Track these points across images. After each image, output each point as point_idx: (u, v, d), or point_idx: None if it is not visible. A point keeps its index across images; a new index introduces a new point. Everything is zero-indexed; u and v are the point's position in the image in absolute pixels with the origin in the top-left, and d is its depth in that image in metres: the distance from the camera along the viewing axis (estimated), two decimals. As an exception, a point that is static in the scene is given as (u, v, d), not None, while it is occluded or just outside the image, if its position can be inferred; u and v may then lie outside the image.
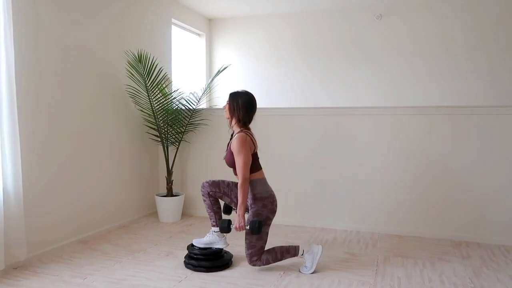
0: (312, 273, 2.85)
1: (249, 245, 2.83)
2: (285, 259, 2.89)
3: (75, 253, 3.27)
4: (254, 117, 2.89)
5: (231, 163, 2.83)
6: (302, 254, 2.87)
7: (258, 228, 2.71)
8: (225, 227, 2.82)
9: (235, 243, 3.48)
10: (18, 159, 2.85)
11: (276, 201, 2.88)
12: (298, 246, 2.89)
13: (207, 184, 2.97)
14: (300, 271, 2.89)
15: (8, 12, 2.76)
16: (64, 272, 2.87)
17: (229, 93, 2.88)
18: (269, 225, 2.87)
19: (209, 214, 3.02)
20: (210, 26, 6.11)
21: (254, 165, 2.82)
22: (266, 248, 2.89)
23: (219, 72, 4.35)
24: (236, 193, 2.91)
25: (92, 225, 3.71)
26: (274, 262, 2.87)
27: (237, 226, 2.74)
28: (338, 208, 4.01)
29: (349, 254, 3.29)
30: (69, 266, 2.99)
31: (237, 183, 2.93)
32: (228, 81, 5.79)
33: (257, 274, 2.87)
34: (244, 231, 2.82)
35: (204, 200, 3.00)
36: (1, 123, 2.78)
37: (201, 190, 3.00)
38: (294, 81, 5.70)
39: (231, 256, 3.07)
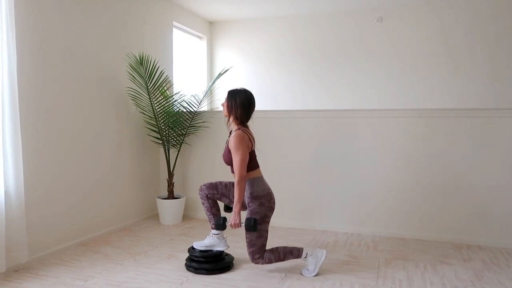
0: (314, 276, 2.84)
1: (250, 244, 2.82)
2: (287, 260, 2.88)
3: (76, 255, 3.27)
4: (253, 116, 2.87)
5: (229, 161, 2.82)
6: (306, 257, 2.86)
7: (253, 226, 2.70)
8: (220, 224, 2.83)
9: (236, 246, 3.48)
10: (20, 162, 2.85)
11: (273, 199, 2.87)
12: (302, 249, 2.88)
13: (205, 187, 2.98)
14: (301, 274, 2.89)
15: (11, 16, 2.76)
16: (65, 275, 2.87)
17: (228, 90, 2.87)
18: (268, 223, 2.85)
19: (208, 217, 3.02)
20: (211, 29, 6.12)
21: (252, 163, 2.81)
22: (269, 248, 2.89)
23: (220, 74, 4.36)
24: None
25: (93, 227, 3.71)
26: (277, 262, 2.86)
27: (232, 223, 2.73)
28: (339, 210, 4.01)
29: (350, 256, 3.29)
30: (70, 268, 2.99)
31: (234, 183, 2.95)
32: (229, 83, 5.79)
33: (258, 276, 2.86)
34: (241, 230, 2.80)
35: (203, 203, 3.00)
36: (3, 126, 2.78)
37: (199, 193, 3.00)
38: (295, 83, 5.71)
39: (232, 258, 3.07)
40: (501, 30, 4.83)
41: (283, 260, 2.86)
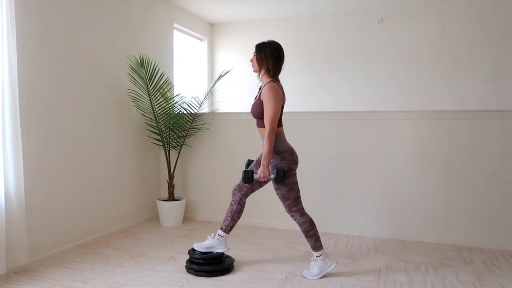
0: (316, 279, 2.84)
1: (283, 198, 2.81)
2: (308, 240, 2.85)
3: (77, 257, 3.26)
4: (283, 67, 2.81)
5: (258, 114, 2.76)
6: (318, 257, 2.85)
7: (282, 177, 2.68)
8: (249, 178, 2.76)
9: (236, 248, 3.47)
10: (20, 164, 2.85)
11: (295, 153, 2.83)
12: (323, 248, 2.87)
13: (237, 190, 2.96)
14: (303, 275, 2.88)
15: (11, 17, 2.77)
16: (65, 277, 2.86)
17: (255, 45, 2.81)
18: (295, 176, 2.82)
19: (226, 217, 2.99)
20: (211, 30, 6.12)
21: (278, 119, 2.76)
22: (311, 219, 2.86)
23: (220, 76, 4.36)
24: (256, 170, 2.87)
25: (94, 229, 3.71)
26: (303, 232, 2.84)
27: (262, 175, 2.68)
28: (340, 213, 4.00)
29: (351, 259, 3.28)
30: (70, 270, 2.99)
31: (256, 161, 2.95)
32: (230, 85, 5.81)
33: (259, 278, 2.86)
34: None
35: (231, 205, 2.98)
36: (4, 128, 2.78)
37: (232, 197, 2.98)
38: (296, 84, 5.70)
39: (232, 260, 3.06)
40: (502, 31, 4.82)
41: (307, 236, 2.84)
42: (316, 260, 2.86)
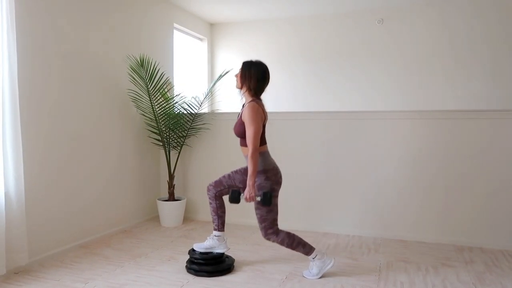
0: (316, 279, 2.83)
1: (261, 219, 2.79)
2: (297, 251, 2.84)
3: (77, 257, 3.26)
4: (266, 89, 2.81)
5: (241, 133, 2.77)
6: (314, 258, 2.84)
7: (269, 200, 2.67)
8: (235, 198, 2.74)
9: (236, 248, 3.47)
10: (20, 164, 2.85)
11: (280, 173, 2.82)
12: (315, 249, 2.86)
13: (212, 186, 2.95)
14: (303, 275, 2.88)
15: (11, 17, 2.76)
16: (66, 277, 2.86)
17: (242, 61, 2.82)
18: (277, 197, 2.82)
19: (212, 217, 2.99)
20: (211, 30, 6.12)
21: (261, 138, 2.76)
22: (287, 231, 2.84)
23: (220, 76, 4.36)
24: (240, 179, 2.89)
25: (94, 229, 3.70)
26: (287, 247, 2.82)
27: (248, 196, 2.66)
28: (341, 213, 4.00)
29: (352, 259, 3.28)
30: (70, 271, 2.98)
31: (237, 170, 2.95)
32: (230, 85, 5.79)
33: (259, 278, 2.85)
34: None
35: (210, 203, 2.98)
36: (4, 128, 2.78)
37: (208, 194, 2.97)
38: (296, 85, 5.71)
39: (233, 260, 3.06)
40: (504, 30, 4.81)
41: (293, 248, 2.82)
42: (313, 260, 2.86)
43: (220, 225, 2.97)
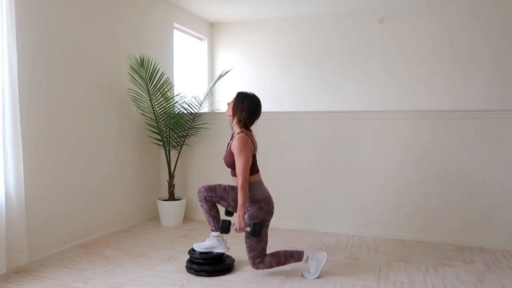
0: (315, 278, 2.83)
1: (250, 248, 2.81)
2: (288, 263, 2.86)
3: (77, 257, 3.26)
4: (256, 121, 2.86)
5: (231, 164, 2.80)
6: (307, 260, 2.85)
7: (258, 231, 2.69)
8: (226, 228, 2.78)
9: (237, 248, 3.47)
10: (20, 164, 2.85)
11: (272, 203, 2.86)
12: (303, 252, 2.86)
13: (203, 189, 2.94)
14: (303, 276, 2.88)
15: (11, 17, 2.77)
16: (66, 277, 2.86)
17: (237, 92, 2.85)
18: (267, 227, 2.85)
19: (207, 219, 3.00)
20: (212, 30, 6.12)
21: (252, 167, 2.79)
22: (269, 252, 2.87)
23: (221, 76, 4.36)
24: (233, 196, 2.89)
25: (94, 229, 3.70)
26: (278, 266, 2.85)
27: (237, 228, 2.70)
28: (340, 212, 4.00)
29: (352, 259, 3.28)
30: (70, 270, 2.99)
31: (234, 186, 2.93)
32: (230, 85, 5.79)
33: (259, 278, 2.85)
34: (243, 234, 2.79)
35: (202, 205, 2.98)
36: (4, 128, 2.78)
37: (198, 195, 2.97)
38: (296, 85, 5.70)
39: (233, 260, 3.06)
40: (504, 30, 4.81)
41: (284, 264, 2.84)
42: (307, 262, 2.86)
43: (217, 225, 2.97)
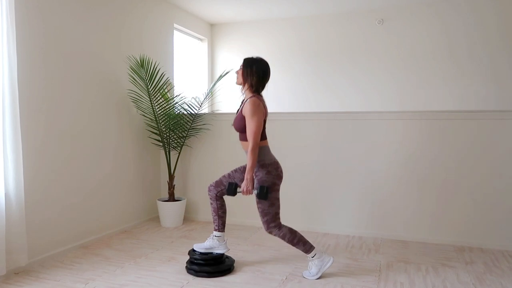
0: (316, 279, 2.83)
1: (263, 213, 2.80)
2: (297, 247, 2.85)
3: (77, 258, 3.26)
4: (267, 85, 2.84)
5: (240, 128, 2.79)
6: (313, 257, 2.85)
7: (265, 194, 2.69)
8: (232, 190, 2.78)
9: (237, 248, 3.47)
10: (20, 165, 2.85)
11: (280, 168, 2.84)
12: (314, 247, 2.86)
13: (213, 187, 2.97)
14: (303, 276, 2.88)
15: (11, 17, 2.77)
16: (66, 278, 2.86)
17: (243, 58, 2.84)
18: (278, 191, 2.83)
19: (213, 218, 3.00)
20: (212, 31, 6.12)
21: (262, 133, 2.78)
22: (290, 227, 2.85)
23: (221, 77, 4.36)
24: (239, 178, 2.90)
25: (94, 230, 3.70)
26: (288, 242, 2.83)
27: (245, 190, 2.70)
28: (341, 213, 4.00)
29: (352, 259, 3.28)
30: (70, 271, 2.99)
31: (237, 168, 2.96)
32: (230, 85, 5.79)
33: (259, 279, 2.85)
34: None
35: (211, 203, 2.99)
36: (4, 128, 2.78)
37: (209, 194, 2.99)
38: (297, 85, 5.70)
39: (233, 261, 3.06)
40: (503, 31, 4.81)
41: (293, 245, 2.83)
42: (312, 260, 2.86)
43: (221, 226, 2.98)
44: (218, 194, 2.96)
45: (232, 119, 4.34)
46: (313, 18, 5.59)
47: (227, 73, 4.42)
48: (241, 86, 2.86)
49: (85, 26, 3.58)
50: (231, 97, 5.92)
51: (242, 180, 2.89)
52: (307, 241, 2.86)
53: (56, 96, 3.29)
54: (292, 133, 4.14)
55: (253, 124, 2.68)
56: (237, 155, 4.26)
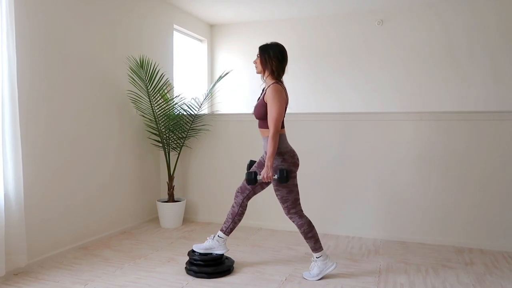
0: (316, 280, 2.83)
1: (282, 200, 2.82)
2: (307, 242, 2.86)
3: (76, 259, 3.26)
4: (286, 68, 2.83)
5: (261, 115, 2.78)
6: (318, 257, 2.85)
7: (285, 177, 2.70)
8: (252, 179, 2.77)
9: (236, 249, 3.47)
10: (20, 165, 2.84)
11: (297, 156, 2.85)
12: (322, 249, 2.87)
13: (239, 193, 2.97)
14: (303, 277, 2.88)
15: (11, 17, 2.76)
16: (65, 279, 2.85)
17: (259, 46, 2.83)
18: (295, 178, 2.84)
19: (227, 219, 3.00)
20: (211, 31, 6.12)
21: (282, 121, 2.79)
22: (309, 220, 2.87)
23: (220, 77, 4.36)
24: (259, 172, 2.90)
25: (93, 231, 3.70)
26: (302, 234, 2.85)
27: (265, 176, 2.69)
28: (341, 214, 4.00)
29: (352, 260, 3.27)
30: (70, 272, 2.98)
31: (256, 162, 2.97)
32: (230, 86, 5.80)
33: (259, 280, 2.85)
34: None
35: (233, 206, 2.99)
36: (3, 129, 2.77)
37: (235, 199, 2.99)
38: (297, 86, 5.69)
39: (232, 262, 3.06)
40: (503, 33, 4.81)
41: (306, 238, 2.85)
42: (316, 261, 2.86)
43: (229, 230, 2.99)
44: (244, 200, 2.96)
45: (232, 120, 4.37)
46: (313, 19, 5.60)
47: (226, 74, 4.42)
48: (261, 75, 2.85)
49: (85, 27, 3.58)
50: (231, 97, 5.93)
51: (261, 169, 2.90)
52: (319, 240, 2.88)
53: (55, 96, 3.29)
54: (292, 134, 4.10)
55: (275, 111, 2.67)
56: (237, 155, 4.25)
